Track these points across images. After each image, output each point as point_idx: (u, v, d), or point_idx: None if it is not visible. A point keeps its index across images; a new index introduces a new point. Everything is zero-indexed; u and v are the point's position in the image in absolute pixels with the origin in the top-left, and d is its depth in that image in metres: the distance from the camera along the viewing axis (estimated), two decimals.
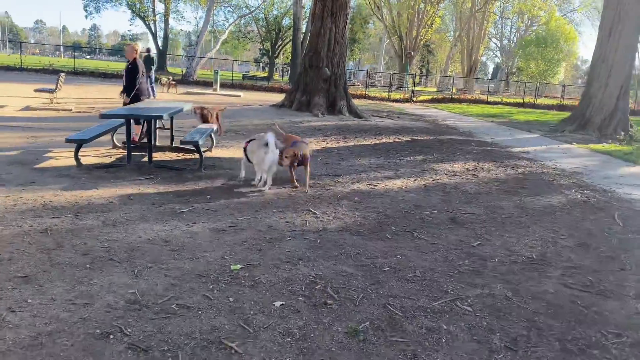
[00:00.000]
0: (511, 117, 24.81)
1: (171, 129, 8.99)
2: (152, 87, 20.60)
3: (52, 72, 31.90)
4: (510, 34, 70.02)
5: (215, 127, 8.89)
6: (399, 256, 4.30)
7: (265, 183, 6.50)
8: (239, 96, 24.88)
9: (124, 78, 8.83)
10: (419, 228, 5.18)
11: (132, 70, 8.68)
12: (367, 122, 16.00)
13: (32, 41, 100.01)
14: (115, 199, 5.59)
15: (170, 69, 45.13)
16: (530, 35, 62.92)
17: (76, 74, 32.56)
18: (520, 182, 8.02)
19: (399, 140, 12.15)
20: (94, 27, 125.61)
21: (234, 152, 9.17)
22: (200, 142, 6.97)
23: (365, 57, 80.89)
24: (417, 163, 9.16)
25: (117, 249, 4.02)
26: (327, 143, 11.04)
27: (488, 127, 18.42)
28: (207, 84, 30.45)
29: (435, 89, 55.48)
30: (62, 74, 14.70)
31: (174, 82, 22.90)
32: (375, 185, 7.07)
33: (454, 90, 46.07)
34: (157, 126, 8.93)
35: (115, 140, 8.78)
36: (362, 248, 4.44)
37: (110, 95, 19.74)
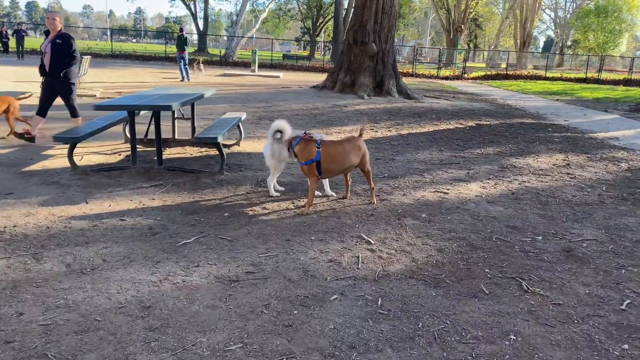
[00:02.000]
0: (576, 94, 22.38)
1: (192, 119, 7.54)
2: (186, 69, 19.39)
3: (90, 55, 31.31)
4: (565, 4, 65.54)
5: (243, 115, 7.38)
6: (512, 336, 2.67)
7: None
8: (277, 77, 23.38)
9: (48, 56, 6.72)
10: (525, 270, 3.52)
11: (61, 47, 6.70)
12: (420, 103, 14.17)
13: (81, 26, 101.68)
14: (102, 220, 4.17)
15: (211, 50, 43.96)
16: (589, 4, 58.53)
17: (114, 57, 31.83)
18: (633, 183, 6.16)
19: (462, 126, 10.33)
20: (139, 11, 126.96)
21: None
22: (220, 139, 5.47)
23: (410, 33, 77.72)
24: (492, 157, 7.39)
25: (64, 327, 2.56)
26: (377, 131, 9.38)
27: (556, 106, 16.25)
28: (246, 64, 29.08)
29: (483, 65, 52.34)
30: (87, 56, 13.54)
31: (197, 62, 20.74)
32: (446, 193, 5.40)
33: (503, 66, 43.07)
34: (176, 116, 7.51)
35: (128, 133, 7.43)
36: (449, 317, 2.83)
37: (144, 79, 18.62)
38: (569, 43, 64.45)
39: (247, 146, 7.55)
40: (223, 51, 35.48)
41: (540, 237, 4.16)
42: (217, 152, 6.76)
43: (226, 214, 4.47)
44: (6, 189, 4.97)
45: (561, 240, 4.14)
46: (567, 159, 7.48)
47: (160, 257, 3.46)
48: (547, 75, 32.72)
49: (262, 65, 30.04)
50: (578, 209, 5.00)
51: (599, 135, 10.30)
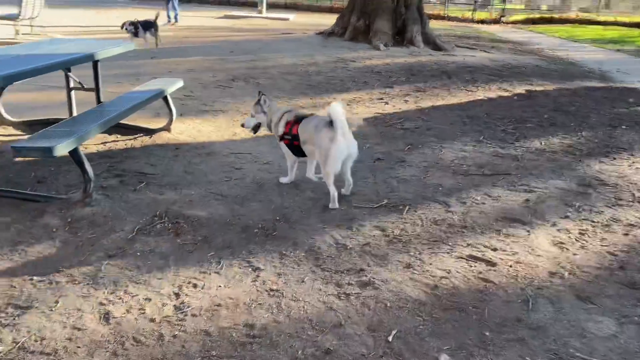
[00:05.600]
0: (637, 42, 18.83)
1: (96, 89, 4.93)
2: (175, 7, 16.07)
3: None
4: None
5: (173, 86, 4.78)
6: None
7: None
8: (287, 19, 20.26)
9: None
10: None
11: None
12: (451, 57, 11.18)
13: None
14: None
15: None
16: None
17: None
18: None
19: (507, 94, 7.47)
20: None
21: (222, 125, 5.13)
22: (65, 148, 2.91)
23: None
24: (561, 159, 4.65)
25: None
26: (388, 102, 6.65)
27: (620, 60, 13.05)
28: (255, 4, 25.80)
29: (522, 7, 47.40)
30: None
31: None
32: (491, 264, 2.78)
33: (544, 7, 38.47)
34: (71, 85, 4.95)
35: (3, 113, 4.95)
36: None
37: (116, 21, 15.78)
38: None
39: (190, 128, 5.01)
40: None
41: None
42: (142, 138, 4.23)
43: None
44: None
45: None
46: None
47: None
48: (599, 19, 28.58)
49: (275, 6, 26.73)
50: None
51: None
